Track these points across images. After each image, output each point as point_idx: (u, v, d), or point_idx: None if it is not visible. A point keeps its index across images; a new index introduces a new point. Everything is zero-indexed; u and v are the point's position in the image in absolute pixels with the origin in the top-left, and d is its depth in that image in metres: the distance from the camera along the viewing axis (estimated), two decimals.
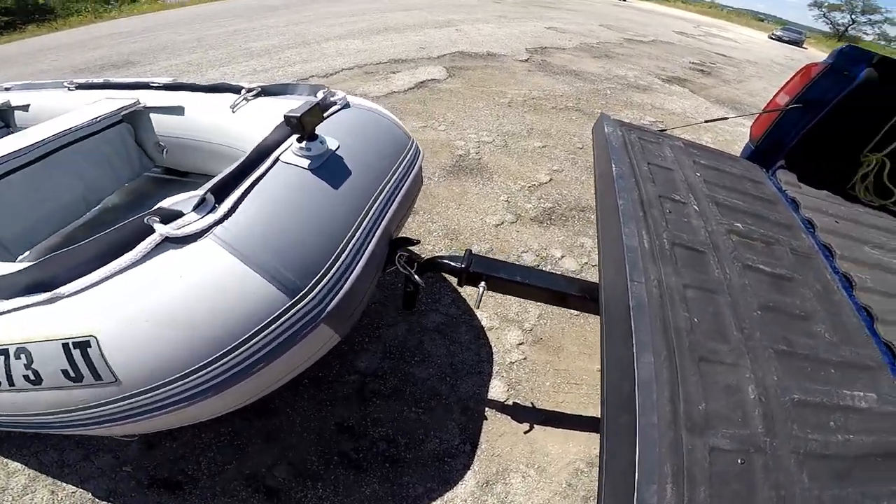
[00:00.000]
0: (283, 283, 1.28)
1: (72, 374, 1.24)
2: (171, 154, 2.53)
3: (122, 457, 1.93)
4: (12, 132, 2.48)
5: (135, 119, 2.47)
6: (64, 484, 1.85)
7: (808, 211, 1.99)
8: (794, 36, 26.73)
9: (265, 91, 2.29)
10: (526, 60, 8.09)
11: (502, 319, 2.70)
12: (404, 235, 2.03)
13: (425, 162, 4.17)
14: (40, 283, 1.29)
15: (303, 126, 1.48)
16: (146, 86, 2.52)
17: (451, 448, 2.07)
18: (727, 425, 1.02)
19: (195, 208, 1.29)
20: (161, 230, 1.23)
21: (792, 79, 2.40)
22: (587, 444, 2.15)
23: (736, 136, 5.93)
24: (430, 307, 2.73)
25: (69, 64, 7.76)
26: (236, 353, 1.24)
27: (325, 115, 1.86)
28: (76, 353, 1.21)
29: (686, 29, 18.63)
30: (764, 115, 2.52)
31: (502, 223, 3.52)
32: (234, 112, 2.22)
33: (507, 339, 2.59)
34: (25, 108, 2.64)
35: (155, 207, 1.28)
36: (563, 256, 3.24)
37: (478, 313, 2.70)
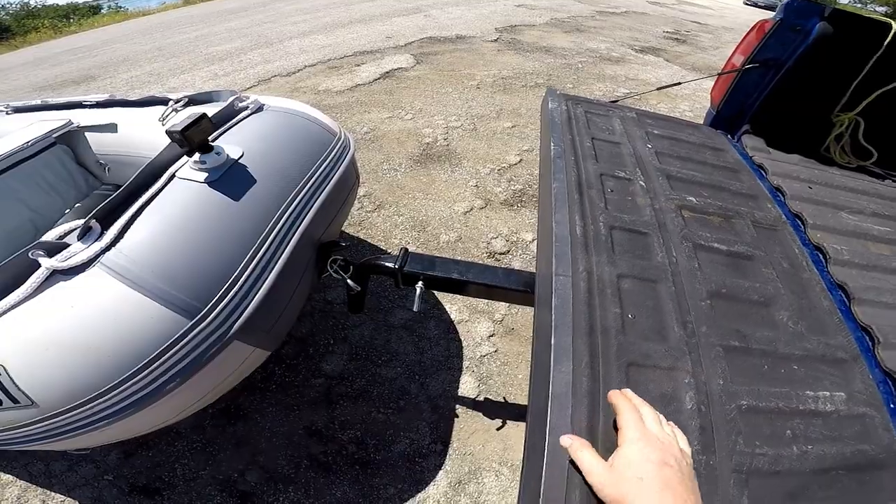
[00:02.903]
0: (179, 305, 1.26)
1: None
2: (114, 171, 2.48)
3: (102, 466, 1.99)
4: None
5: (70, 139, 2.42)
6: (54, 493, 1.92)
7: (777, 178, 1.84)
8: (769, 1, 26.43)
9: (192, 101, 2.23)
10: (495, 41, 7.94)
11: (472, 311, 2.65)
12: (335, 239, 1.98)
13: (392, 153, 4.14)
14: None
15: (188, 140, 1.40)
16: (80, 105, 2.47)
17: (422, 448, 2.04)
18: None
19: (80, 238, 1.26)
20: (46, 264, 1.21)
21: (745, 37, 2.27)
22: None
23: None
24: (397, 304, 2.68)
25: (29, 83, 7.62)
26: (142, 375, 1.24)
27: (233, 121, 1.82)
28: None
29: None
30: (722, 77, 2.38)
31: (471, 210, 3.45)
32: (163, 124, 2.17)
33: (477, 332, 2.54)
34: None
35: (38, 241, 1.26)
36: (533, 240, 3.17)
37: (447, 307, 2.65)
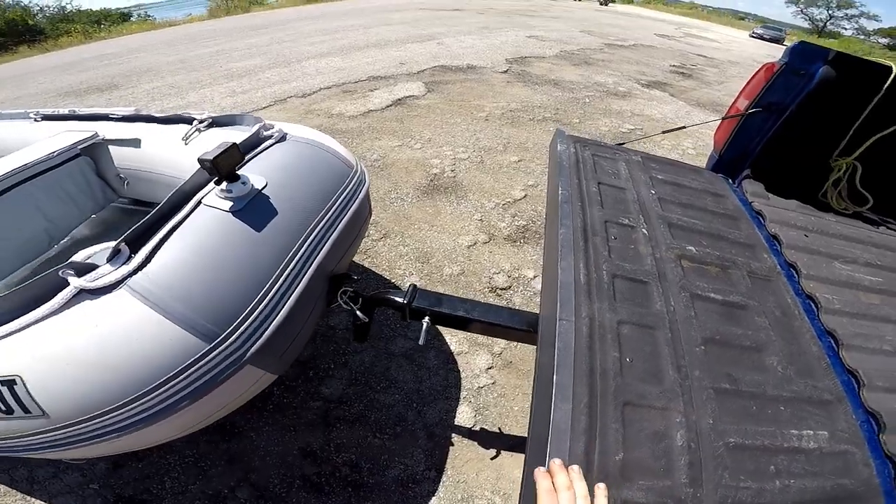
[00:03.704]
0: (199, 329, 1.31)
1: (2, 407, 1.31)
2: (132, 185, 2.56)
3: (89, 475, 1.99)
4: None
5: (94, 152, 2.50)
6: (34, 500, 1.92)
7: (775, 225, 1.89)
8: (774, 34, 26.75)
9: (215, 122, 2.30)
10: (505, 72, 8.13)
11: (472, 344, 2.70)
12: (346, 272, 2.02)
13: (399, 182, 4.23)
14: None
15: (217, 168, 1.46)
16: (106, 117, 2.54)
17: (416, 474, 2.07)
18: (646, 476, 0.96)
19: (109, 260, 1.32)
20: (75, 283, 1.26)
21: (750, 81, 2.29)
22: None
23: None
24: (399, 332, 2.72)
25: (56, 87, 7.79)
26: (155, 393, 1.28)
27: (258, 149, 1.87)
28: (4, 390, 1.28)
29: (667, 31, 18.72)
30: (725, 121, 2.41)
31: (475, 244, 3.52)
32: (186, 144, 2.24)
33: (476, 364, 2.58)
34: None
35: (69, 261, 1.32)
36: (535, 277, 3.23)
37: (447, 338, 2.70)
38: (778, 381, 1.23)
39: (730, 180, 2.35)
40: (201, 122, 2.28)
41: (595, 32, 14.41)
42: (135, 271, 1.31)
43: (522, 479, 1.07)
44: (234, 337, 1.36)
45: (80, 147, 2.40)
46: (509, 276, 3.22)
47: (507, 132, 5.48)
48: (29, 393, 1.26)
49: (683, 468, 0.98)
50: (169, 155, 2.29)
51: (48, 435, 1.34)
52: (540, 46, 10.73)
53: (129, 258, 1.33)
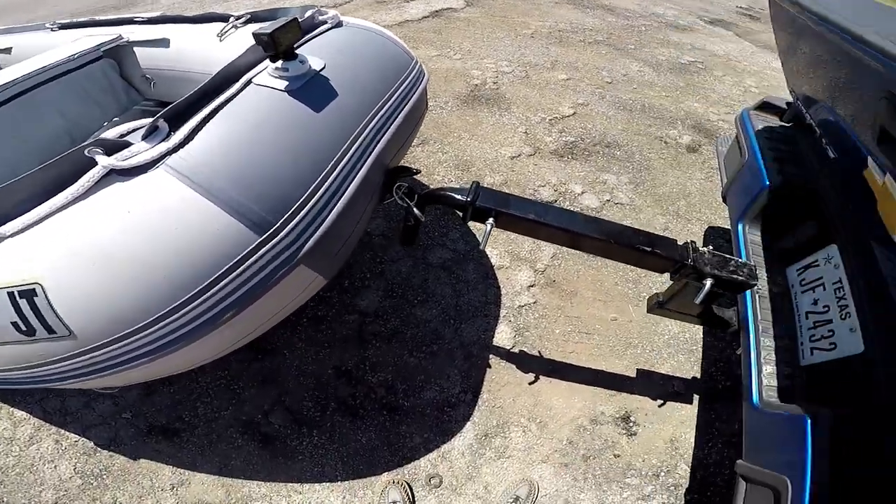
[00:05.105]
0: (251, 217, 1.11)
1: (23, 327, 1.15)
2: (158, 86, 2.38)
3: (121, 403, 1.91)
4: None
5: (118, 54, 2.32)
6: (67, 433, 1.84)
7: None
8: None
9: (255, 17, 2.08)
10: None
11: (514, 258, 2.52)
12: (404, 164, 1.83)
13: (438, 90, 3.94)
14: None
15: (275, 43, 1.26)
16: (130, 21, 2.36)
17: (452, 397, 1.97)
18: None
19: (145, 137, 1.13)
20: (104, 162, 1.08)
21: None
22: (592, 400, 2.01)
23: (782, 81, 5.34)
24: (437, 241, 2.57)
25: (70, 9, 7.52)
26: (201, 299, 1.11)
27: (313, 33, 1.67)
28: (23, 303, 1.11)
29: None
30: None
31: (519, 155, 3.27)
32: (221, 41, 2.04)
33: (517, 280, 2.42)
34: (7, 50, 2.55)
35: (97, 137, 1.13)
36: (583, 192, 3.00)
37: (488, 251, 2.53)
38: None
39: None
40: (238, 17, 2.08)
41: None
42: (175, 149, 1.12)
43: None
44: (288, 229, 1.17)
45: (102, 49, 2.23)
46: (555, 190, 3.00)
47: (555, 51, 5.05)
48: (51, 305, 1.09)
49: None
50: (202, 53, 2.10)
51: (75, 361, 1.20)
52: None
53: (169, 135, 1.14)
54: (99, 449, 1.79)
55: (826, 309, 1.44)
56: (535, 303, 2.33)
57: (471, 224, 2.27)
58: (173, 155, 1.11)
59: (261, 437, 1.84)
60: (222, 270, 1.10)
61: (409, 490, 1.72)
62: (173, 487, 1.71)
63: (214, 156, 1.14)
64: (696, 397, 2.05)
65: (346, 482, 1.75)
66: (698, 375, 2.13)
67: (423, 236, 2.58)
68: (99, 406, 1.90)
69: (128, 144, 1.12)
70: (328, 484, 1.74)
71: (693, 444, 1.90)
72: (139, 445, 1.80)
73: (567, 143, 3.46)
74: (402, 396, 1.96)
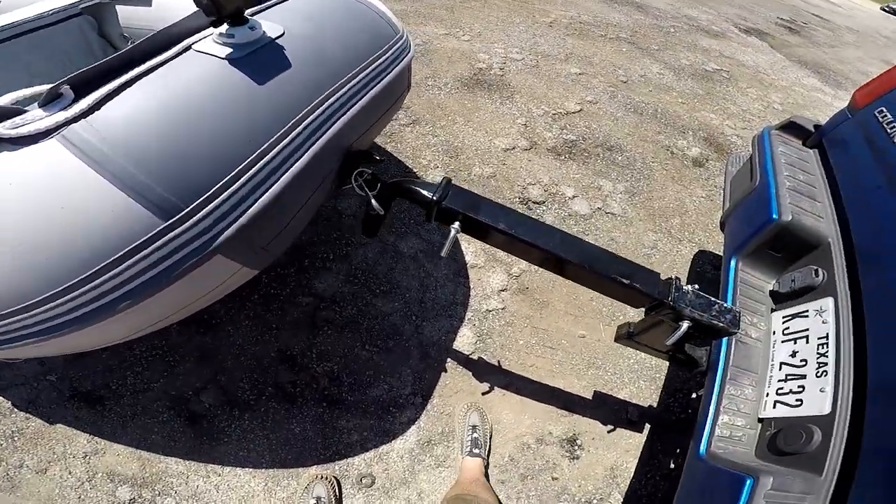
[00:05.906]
0: (153, 200, 0.97)
1: None
2: None
3: (48, 365, 1.77)
4: None
5: (99, 11, 2.17)
6: None
7: None
8: None
9: None
10: None
11: (489, 258, 2.40)
12: (367, 150, 1.68)
13: (439, 70, 3.77)
14: None
15: (217, 6, 1.08)
16: None
17: (400, 398, 1.87)
18: None
19: (43, 105, 0.99)
20: None
21: None
22: (543, 418, 1.93)
23: (810, 100, 5.17)
24: (411, 229, 2.43)
25: None
26: (92, 284, 0.99)
27: None
28: None
29: None
30: (882, 81, 1.76)
31: (513, 148, 3.11)
32: None
33: (489, 283, 2.30)
34: None
35: None
36: (574, 197, 2.85)
37: (463, 247, 2.40)
38: None
39: None
40: None
41: None
42: (75, 119, 0.97)
43: None
44: (201, 215, 1.03)
45: (81, 6, 2.06)
46: (545, 191, 2.85)
47: (572, 42, 4.85)
48: None
49: None
50: (183, 11, 1.94)
51: None
52: None
53: (72, 103, 1.00)
54: (16, 409, 1.67)
55: (803, 363, 1.34)
56: (503, 309, 2.22)
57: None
58: (73, 125, 0.96)
59: (188, 414, 1.73)
60: (117, 256, 0.97)
61: (336, 487, 1.63)
62: (86, 456, 1.61)
63: (119, 127, 0.99)
64: (647, 427, 1.97)
65: (271, 470, 1.66)
66: (655, 404, 2.04)
67: (398, 222, 2.45)
68: (24, 366, 1.77)
69: (21, 111, 0.98)
70: (251, 469, 1.65)
71: (632, 475, 1.84)
72: (58, 410, 1.69)
73: (567, 141, 3.31)
74: (346, 390, 1.85)
